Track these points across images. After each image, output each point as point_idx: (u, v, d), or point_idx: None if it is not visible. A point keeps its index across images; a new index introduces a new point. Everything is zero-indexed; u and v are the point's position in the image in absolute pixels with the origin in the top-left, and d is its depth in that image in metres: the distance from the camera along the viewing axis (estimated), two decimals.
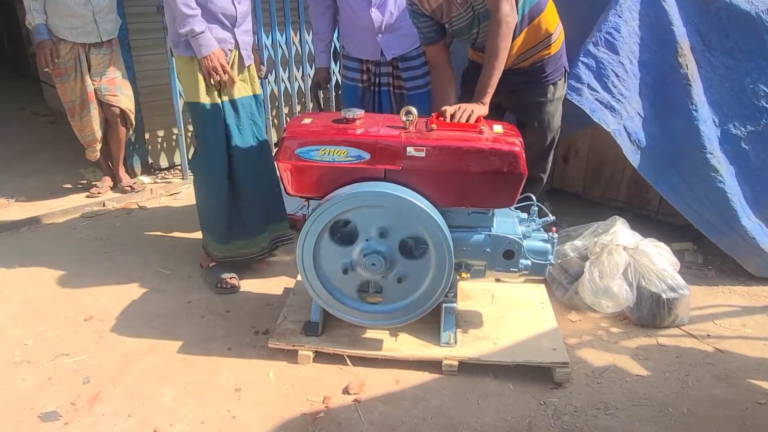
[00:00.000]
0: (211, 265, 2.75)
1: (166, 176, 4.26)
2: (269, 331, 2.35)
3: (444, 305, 2.20)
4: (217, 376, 2.14)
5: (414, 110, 2.03)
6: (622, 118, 2.68)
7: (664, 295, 2.35)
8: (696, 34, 2.70)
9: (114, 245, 3.17)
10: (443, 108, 2.14)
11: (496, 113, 2.56)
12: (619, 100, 2.68)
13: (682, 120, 2.67)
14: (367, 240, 2.03)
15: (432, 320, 2.22)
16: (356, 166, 2.00)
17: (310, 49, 4.50)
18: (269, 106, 4.35)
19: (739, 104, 2.71)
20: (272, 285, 2.76)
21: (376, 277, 2.06)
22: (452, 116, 2.10)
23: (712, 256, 2.91)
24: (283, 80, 4.48)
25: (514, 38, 2.30)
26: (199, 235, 2.89)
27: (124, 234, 3.31)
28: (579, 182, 3.50)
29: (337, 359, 2.19)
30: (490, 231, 2.10)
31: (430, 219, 1.96)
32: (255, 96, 2.64)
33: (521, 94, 2.54)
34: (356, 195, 1.96)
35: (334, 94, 4.77)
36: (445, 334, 2.18)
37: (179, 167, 4.27)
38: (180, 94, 3.84)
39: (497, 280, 2.60)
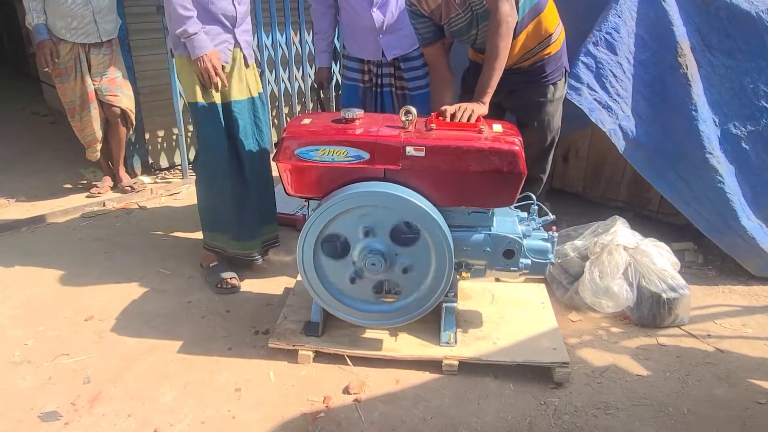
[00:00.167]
0: (211, 265, 2.75)
1: (166, 176, 4.26)
2: (269, 331, 2.35)
3: (444, 305, 2.20)
4: (217, 376, 2.14)
5: (413, 110, 2.03)
6: (618, 118, 2.69)
7: (664, 295, 2.35)
8: (696, 33, 2.70)
9: (114, 245, 3.17)
10: (443, 107, 2.14)
11: (497, 113, 2.56)
12: (615, 100, 2.69)
13: (681, 120, 2.67)
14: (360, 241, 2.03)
15: (432, 320, 2.22)
16: (356, 166, 2.00)
17: (310, 49, 4.51)
18: (269, 106, 4.35)
19: (739, 104, 2.71)
20: (272, 285, 2.76)
21: (378, 276, 2.06)
22: (452, 116, 2.10)
23: (713, 255, 2.91)
24: (283, 80, 4.49)
25: (514, 38, 2.30)
26: (199, 235, 2.89)
27: (125, 234, 3.31)
28: (579, 182, 3.50)
29: (337, 359, 2.19)
30: (490, 230, 2.10)
31: (431, 218, 1.96)
32: (258, 96, 2.65)
33: (521, 94, 2.54)
34: (356, 195, 1.96)
35: (334, 94, 4.77)
36: (446, 333, 2.18)
37: (179, 167, 4.27)
38: (180, 94, 3.84)
39: (497, 280, 2.60)
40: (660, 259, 2.42)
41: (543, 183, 2.75)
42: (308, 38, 4.49)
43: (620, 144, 2.70)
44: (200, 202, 2.69)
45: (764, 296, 2.66)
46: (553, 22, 2.43)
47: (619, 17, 2.65)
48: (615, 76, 2.67)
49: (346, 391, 2.06)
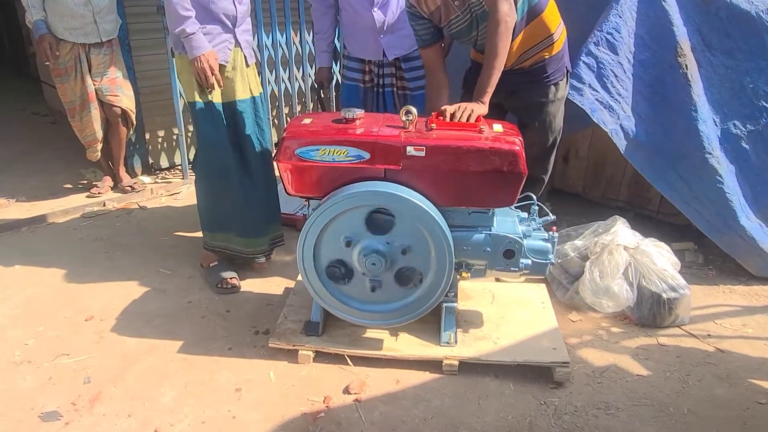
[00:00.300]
0: (211, 265, 2.75)
1: (166, 176, 4.26)
2: (270, 331, 2.35)
3: (444, 305, 2.20)
4: (217, 376, 2.14)
5: (414, 110, 2.03)
6: (619, 118, 2.69)
7: (664, 295, 2.35)
8: (696, 33, 2.70)
9: (114, 245, 3.17)
10: (443, 107, 2.14)
11: (498, 114, 2.56)
12: (617, 99, 2.69)
13: (681, 120, 2.67)
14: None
15: (432, 320, 2.22)
16: (356, 166, 2.00)
17: (310, 49, 4.50)
18: (269, 106, 4.35)
19: (739, 104, 2.71)
20: (272, 285, 2.76)
21: (379, 275, 2.07)
22: (452, 116, 2.10)
23: (713, 255, 2.91)
24: (283, 80, 4.49)
25: (513, 37, 2.29)
26: (199, 235, 2.89)
27: (125, 234, 3.31)
28: (579, 182, 3.50)
29: (337, 359, 2.19)
30: (490, 230, 2.10)
31: (431, 218, 1.96)
32: (259, 95, 2.65)
33: (522, 95, 2.54)
34: (356, 195, 1.96)
35: (334, 94, 4.77)
36: (446, 333, 2.18)
37: (179, 167, 4.27)
38: (180, 94, 3.84)
39: (498, 280, 2.60)
40: (660, 259, 2.42)
41: (545, 184, 2.75)
42: (308, 38, 4.49)
43: (621, 144, 2.70)
44: (200, 202, 2.69)
45: (764, 296, 2.66)
46: (553, 22, 2.42)
47: (620, 17, 2.65)
48: (616, 76, 2.68)
49: (346, 391, 2.06)
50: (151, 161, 4.28)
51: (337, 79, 4.35)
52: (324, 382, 2.10)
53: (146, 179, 4.13)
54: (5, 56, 8.24)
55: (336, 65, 4.21)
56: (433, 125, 2.05)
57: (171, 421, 1.93)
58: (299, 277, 2.43)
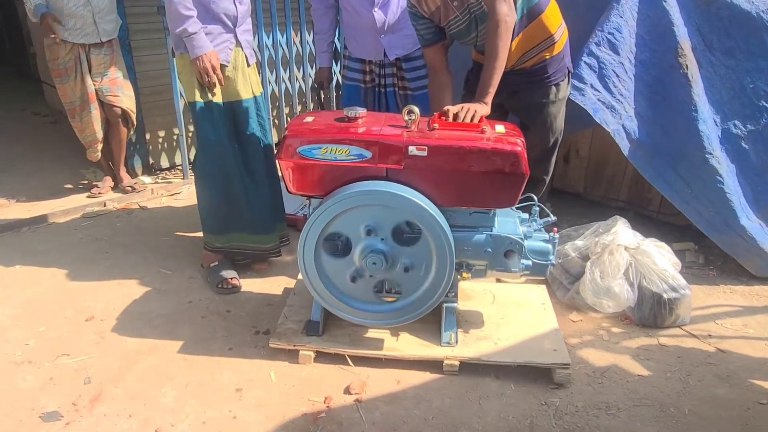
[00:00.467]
0: (212, 265, 2.75)
1: (166, 176, 4.26)
2: (270, 331, 2.35)
3: (445, 305, 2.20)
4: (218, 376, 2.14)
5: (416, 109, 2.03)
6: (621, 118, 2.69)
7: (665, 295, 2.35)
8: (697, 33, 2.70)
9: (115, 245, 3.17)
10: (445, 107, 2.14)
11: (500, 114, 2.56)
12: (618, 100, 2.69)
13: (682, 120, 2.67)
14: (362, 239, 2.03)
15: (433, 320, 2.22)
16: (358, 165, 2.00)
17: (310, 49, 4.51)
18: (270, 106, 4.36)
19: (740, 104, 2.71)
20: (273, 285, 2.76)
21: (379, 275, 2.07)
22: (455, 116, 2.10)
23: (714, 256, 2.91)
24: (283, 80, 4.49)
25: (513, 38, 2.29)
26: (200, 235, 2.89)
27: (125, 234, 3.31)
28: (580, 182, 3.50)
29: (338, 359, 2.19)
30: (491, 231, 2.10)
31: (432, 218, 1.96)
32: (260, 95, 2.65)
33: (523, 95, 2.54)
34: (358, 194, 1.96)
35: (335, 94, 4.77)
36: (446, 333, 2.18)
37: (180, 167, 4.27)
38: (180, 94, 3.84)
39: (498, 280, 2.60)
40: (661, 260, 2.42)
41: (546, 184, 2.74)
42: (309, 38, 4.49)
43: (624, 144, 2.70)
44: (200, 202, 2.69)
45: (765, 296, 2.66)
46: (554, 22, 2.42)
47: (621, 17, 2.65)
48: (617, 76, 2.68)
49: (347, 391, 2.06)
50: (151, 161, 4.28)
51: (337, 80, 4.35)
52: (325, 383, 2.10)
53: (147, 179, 4.13)
54: (5, 56, 8.24)
55: (336, 65, 4.22)
56: (436, 125, 2.05)
57: (172, 421, 1.93)
58: (300, 277, 2.43)
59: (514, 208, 2.18)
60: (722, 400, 2.03)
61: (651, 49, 2.71)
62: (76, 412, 1.97)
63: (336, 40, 3.39)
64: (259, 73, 2.75)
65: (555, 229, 2.16)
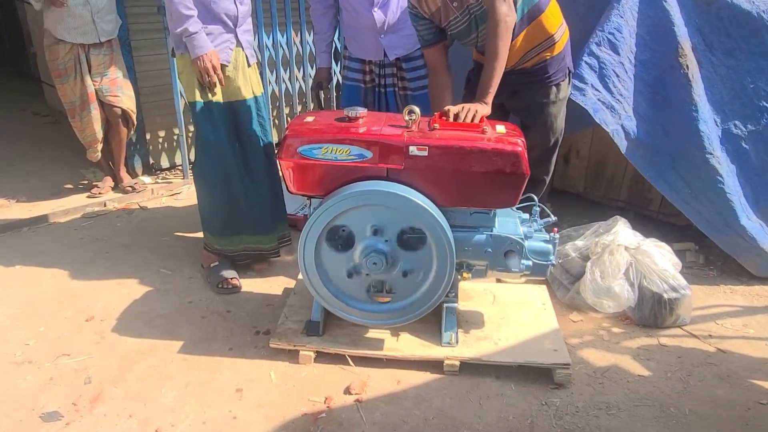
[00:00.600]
0: (212, 265, 2.75)
1: (167, 176, 4.26)
2: (270, 331, 2.35)
3: (445, 305, 2.20)
4: (218, 376, 2.14)
5: (417, 109, 2.03)
6: (621, 118, 2.69)
7: (665, 295, 2.35)
8: (697, 33, 2.70)
9: (115, 245, 3.16)
10: (446, 107, 2.14)
11: (500, 114, 2.56)
12: (618, 100, 2.69)
13: (682, 120, 2.67)
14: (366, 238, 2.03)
15: (433, 320, 2.22)
16: (358, 165, 2.00)
17: (311, 49, 4.51)
18: (270, 106, 4.36)
19: (740, 104, 2.71)
20: (273, 285, 2.76)
21: (379, 275, 2.06)
22: (455, 116, 2.10)
23: (714, 256, 2.91)
24: (284, 80, 4.49)
25: (513, 38, 2.29)
26: (200, 235, 2.89)
27: (125, 234, 3.31)
28: (580, 182, 3.50)
29: (338, 359, 2.19)
30: (491, 231, 2.10)
31: (432, 218, 1.96)
32: (261, 95, 2.65)
33: (524, 95, 2.54)
34: (358, 194, 1.96)
35: (334, 94, 4.77)
36: (447, 334, 2.18)
37: (180, 167, 4.27)
38: (181, 94, 3.84)
39: (498, 281, 2.60)
40: (661, 260, 2.42)
41: (546, 185, 2.74)
42: (309, 38, 4.49)
43: (622, 144, 2.70)
44: (200, 202, 2.69)
45: (765, 296, 2.66)
46: (555, 23, 2.42)
47: (621, 17, 2.65)
48: (618, 76, 2.68)
49: (347, 391, 2.06)
50: (151, 161, 4.28)
51: (337, 80, 4.35)
52: (325, 383, 2.10)
53: (147, 179, 4.13)
54: (5, 56, 8.23)
55: (336, 65, 4.21)
56: (436, 125, 2.05)
57: (172, 421, 1.93)
58: (300, 277, 2.43)
59: (514, 208, 2.18)
60: (723, 400, 2.03)
61: (651, 49, 2.71)
62: (77, 412, 1.97)
63: (336, 40, 3.39)
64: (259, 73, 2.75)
65: (555, 229, 2.16)
